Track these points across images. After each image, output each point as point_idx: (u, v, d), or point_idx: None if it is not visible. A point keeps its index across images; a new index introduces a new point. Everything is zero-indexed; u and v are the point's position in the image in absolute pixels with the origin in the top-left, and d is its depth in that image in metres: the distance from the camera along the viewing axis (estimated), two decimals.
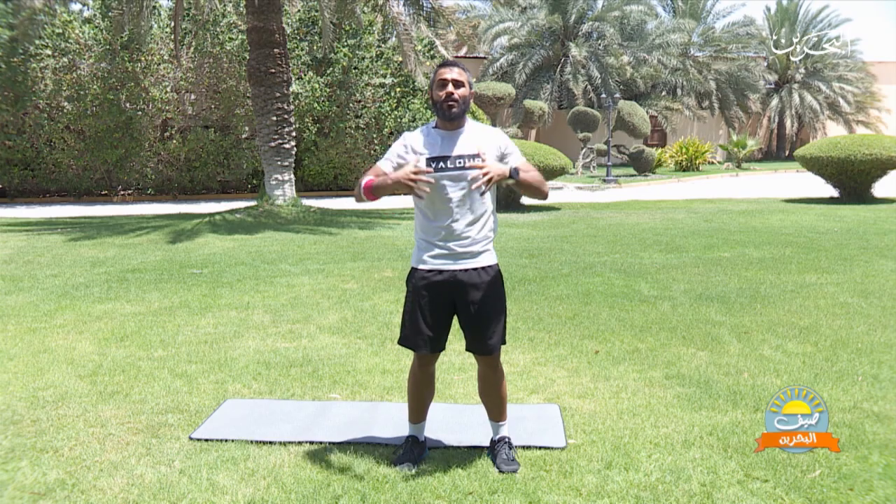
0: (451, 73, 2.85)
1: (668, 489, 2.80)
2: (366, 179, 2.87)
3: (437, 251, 2.90)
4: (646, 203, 15.02)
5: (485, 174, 2.69)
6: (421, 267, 2.94)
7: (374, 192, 2.83)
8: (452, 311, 2.97)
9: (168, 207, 15.36)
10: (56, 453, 3.15)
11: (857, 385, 3.92)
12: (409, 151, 2.90)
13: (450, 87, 2.83)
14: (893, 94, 35.35)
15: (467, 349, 3.02)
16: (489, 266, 2.94)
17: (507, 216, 12.36)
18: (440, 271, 2.90)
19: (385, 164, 2.92)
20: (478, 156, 2.81)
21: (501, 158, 2.90)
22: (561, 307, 5.77)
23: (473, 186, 2.72)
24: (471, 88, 2.90)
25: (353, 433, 3.31)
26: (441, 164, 2.84)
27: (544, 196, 2.97)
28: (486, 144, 2.88)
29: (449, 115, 2.85)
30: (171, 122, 17.29)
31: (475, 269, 2.91)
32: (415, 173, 2.72)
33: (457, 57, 28.42)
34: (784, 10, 36.33)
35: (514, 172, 2.79)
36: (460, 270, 2.90)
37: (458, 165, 2.84)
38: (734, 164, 28.83)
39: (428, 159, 2.85)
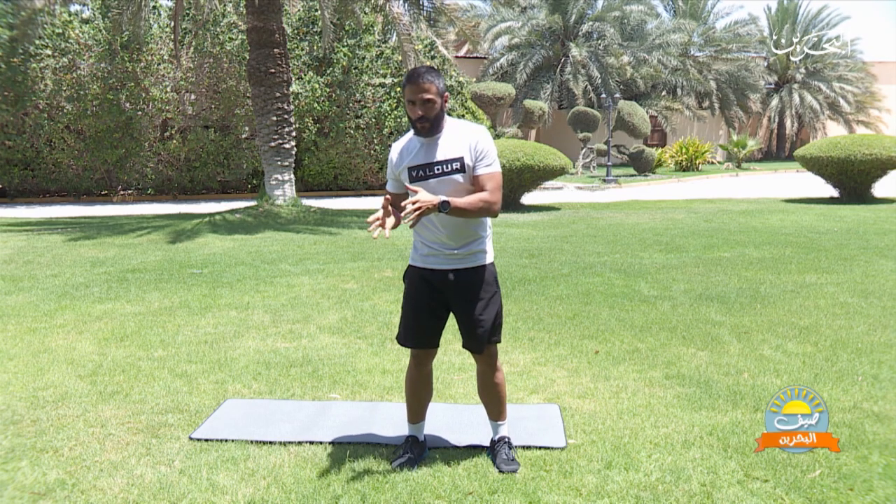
0: (418, 93, 2.76)
1: (668, 489, 2.81)
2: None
3: (429, 251, 2.95)
4: (646, 203, 15.02)
5: (416, 208, 2.60)
6: (416, 265, 3.01)
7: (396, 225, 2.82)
8: (446, 309, 3.01)
9: (168, 207, 15.36)
10: (56, 453, 3.15)
11: (857, 385, 3.92)
12: (395, 164, 2.93)
13: (419, 110, 2.78)
14: (893, 94, 35.38)
15: (463, 346, 3.05)
16: (480, 266, 2.96)
17: (507, 216, 12.36)
18: (433, 270, 2.95)
19: (390, 186, 2.99)
20: (460, 159, 2.81)
21: (474, 160, 2.83)
22: (561, 307, 5.77)
23: (404, 220, 2.64)
24: (442, 94, 2.82)
25: (353, 433, 3.32)
26: (422, 171, 2.86)
27: (492, 216, 2.87)
28: (462, 145, 2.83)
29: (423, 135, 2.84)
30: (171, 122, 17.30)
31: (466, 269, 2.94)
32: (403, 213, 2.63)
33: (457, 57, 28.39)
34: (784, 10, 36.35)
35: (442, 206, 2.66)
36: (452, 270, 2.93)
37: (436, 172, 2.84)
38: (734, 164, 28.85)
39: (409, 168, 2.87)
